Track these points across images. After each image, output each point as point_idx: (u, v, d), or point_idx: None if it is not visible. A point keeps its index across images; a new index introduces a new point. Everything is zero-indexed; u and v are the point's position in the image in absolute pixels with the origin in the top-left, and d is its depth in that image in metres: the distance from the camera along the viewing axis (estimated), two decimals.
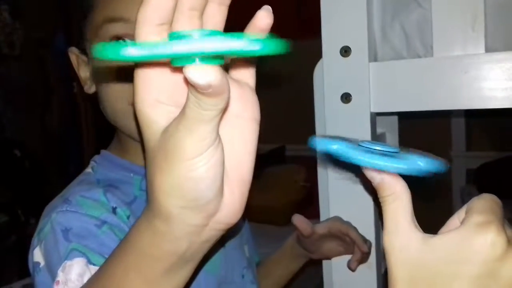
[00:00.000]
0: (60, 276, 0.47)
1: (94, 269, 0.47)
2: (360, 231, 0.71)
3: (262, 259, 0.86)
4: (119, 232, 0.53)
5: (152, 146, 0.31)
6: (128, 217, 0.57)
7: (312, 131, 0.84)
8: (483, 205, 0.34)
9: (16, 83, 2.31)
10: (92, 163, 0.64)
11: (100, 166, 0.64)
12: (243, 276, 0.67)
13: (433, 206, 2.46)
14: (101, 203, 0.56)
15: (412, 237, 0.34)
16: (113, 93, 0.57)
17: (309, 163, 0.87)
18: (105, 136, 0.72)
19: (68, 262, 0.48)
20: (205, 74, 0.26)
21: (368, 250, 0.70)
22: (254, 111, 0.34)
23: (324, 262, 0.83)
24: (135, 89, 0.31)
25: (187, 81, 0.27)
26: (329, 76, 0.70)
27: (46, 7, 2.39)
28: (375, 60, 0.70)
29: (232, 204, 0.33)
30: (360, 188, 0.71)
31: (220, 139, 0.31)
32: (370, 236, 0.72)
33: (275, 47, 0.26)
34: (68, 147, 2.59)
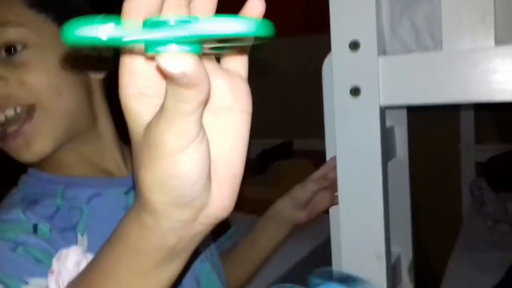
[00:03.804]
0: None
1: None
2: (369, 223, 0.72)
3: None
4: (36, 252, 0.52)
5: (136, 141, 0.31)
6: (50, 231, 0.56)
7: (320, 125, 0.84)
8: None
9: None
10: (19, 182, 0.65)
11: (25, 183, 0.64)
12: (200, 262, 0.66)
13: (443, 200, 2.46)
14: (20, 223, 0.55)
15: None
16: None
17: (317, 158, 0.87)
18: None
19: None
20: (178, 62, 0.25)
21: None
22: (245, 103, 0.33)
23: (334, 252, 0.83)
24: (119, 80, 0.30)
25: (162, 72, 0.26)
26: (338, 70, 0.70)
27: None
28: (384, 54, 0.70)
29: (221, 199, 0.32)
30: (368, 183, 0.71)
31: (204, 133, 0.30)
32: (379, 228, 0.72)
33: (257, 27, 0.24)
34: None
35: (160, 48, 0.25)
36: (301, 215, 0.81)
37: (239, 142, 0.32)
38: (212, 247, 0.76)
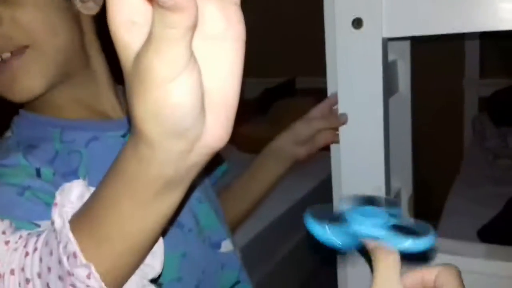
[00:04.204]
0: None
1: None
2: (369, 158, 0.72)
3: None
4: (43, 195, 0.52)
5: (127, 71, 0.30)
6: (53, 175, 0.56)
7: (323, 62, 0.82)
8: (458, 282, 0.38)
9: None
10: (11, 125, 0.63)
11: (19, 127, 0.63)
12: (189, 198, 0.66)
13: (445, 135, 2.47)
14: (22, 168, 0.55)
15: None
16: None
17: (320, 96, 0.86)
18: None
19: None
20: None
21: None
22: (238, 30, 0.31)
23: (334, 189, 0.85)
24: (108, 8, 0.29)
25: None
26: (339, 1, 0.68)
27: None
28: None
29: (216, 129, 0.32)
30: (369, 118, 0.71)
31: (195, 61, 0.29)
32: (379, 163, 0.73)
33: None
34: None
35: None
36: (301, 151, 0.81)
37: (233, 71, 0.31)
38: (208, 185, 0.76)
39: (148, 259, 0.42)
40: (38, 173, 0.55)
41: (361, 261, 0.76)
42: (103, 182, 0.37)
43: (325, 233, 0.37)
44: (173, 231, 0.62)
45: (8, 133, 0.63)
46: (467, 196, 1.65)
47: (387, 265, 0.38)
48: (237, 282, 0.72)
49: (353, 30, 0.67)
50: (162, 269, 0.60)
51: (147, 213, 0.36)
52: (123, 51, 0.30)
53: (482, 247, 0.97)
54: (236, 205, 0.82)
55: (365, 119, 0.72)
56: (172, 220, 0.39)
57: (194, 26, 0.27)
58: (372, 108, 0.70)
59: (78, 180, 0.42)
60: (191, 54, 0.28)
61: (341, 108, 0.74)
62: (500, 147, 1.98)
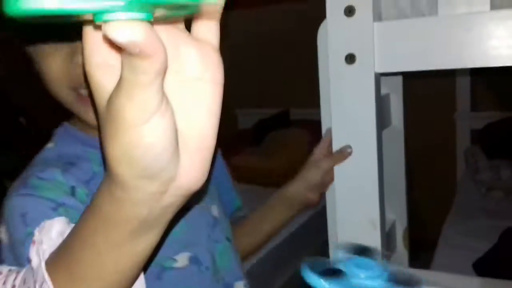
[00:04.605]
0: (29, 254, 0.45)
1: None
2: (363, 191, 0.72)
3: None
4: (76, 214, 0.51)
5: (101, 112, 0.30)
6: (87, 196, 0.56)
7: (317, 94, 0.84)
8: None
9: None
10: (52, 137, 0.63)
11: (61, 140, 0.62)
12: (209, 236, 0.67)
13: (437, 168, 2.48)
14: (59, 184, 0.55)
15: None
16: (49, 75, 0.54)
17: (314, 127, 0.87)
18: None
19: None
20: (126, 31, 0.24)
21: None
22: (216, 73, 0.32)
23: (329, 221, 0.85)
24: (83, 50, 0.29)
25: (112, 43, 0.25)
26: (333, 36, 0.69)
27: None
28: (380, 19, 0.69)
29: (191, 170, 0.32)
30: (363, 151, 0.72)
31: (168, 104, 0.29)
32: (373, 195, 0.73)
33: None
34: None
35: (107, 17, 0.24)
36: (315, 197, 0.81)
37: (210, 113, 0.32)
38: (228, 225, 0.76)
39: None
40: (73, 192, 0.55)
41: None
42: (81, 218, 0.37)
43: (323, 286, 0.37)
44: (189, 267, 0.62)
45: (50, 145, 0.62)
46: (461, 229, 1.64)
47: None
48: None
49: (346, 65, 0.69)
50: None
51: (122, 253, 0.35)
52: (98, 92, 0.30)
53: (477, 280, 0.97)
54: (246, 241, 0.82)
55: (359, 152, 0.73)
56: (151, 259, 0.39)
57: (163, 70, 0.27)
58: (366, 141, 0.71)
59: (60, 217, 0.42)
60: (163, 97, 0.29)
61: (335, 142, 0.74)
62: (493, 179, 1.99)
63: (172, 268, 0.60)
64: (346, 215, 0.76)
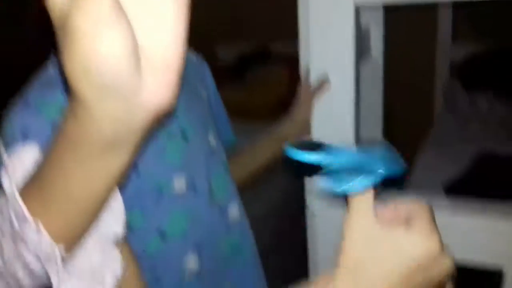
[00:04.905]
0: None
1: None
2: (340, 124, 0.74)
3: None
4: None
5: (57, 27, 0.29)
6: None
7: (297, 26, 0.82)
8: (428, 214, 0.40)
9: None
10: (53, 56, 0.61)
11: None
12: (206, 164, 0.69)
13: (416, 100, 2.51)
14: (61, 105, 0.54)
15: (370, 224, 0.39)
16: None
17: (293, 62, 0.87)
18: None
19: None
20: None
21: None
22: None
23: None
24: None
25: None
26: None
27: None
28: None
29: (156, 91, 0.31)
30: (341, 84, 0.72)
31: (124, 16, 0.28)
32: (349, 129, 0.74)
33: None
34: None
35: None
36: (305, 134, 0.84)
37: (175, 31, 0.30)
38: (222, 149, 0.78)
39: (109, 222, 0.42)
40: None
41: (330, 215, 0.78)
42: (52, 142, 0.37)
43: (304, 156, 0.39)
44: (186, 193, 0.64)
45: (50, 65, 0.60)
46: (436, 154, 1.69)
47: (361, 197, 0.40)
48: (239, 247, 0.74)
49: None
50: (169, 224, 0.62)
51: (92, 174, 0.35)
52: (51, 4, 0.29)
53: (448, 202, 1.01)
54: (236, 175, 0.84)
55: (336, 84, 0.73)
56: (124, 181, 0.39)
57: None
58: (344, 73, 0.71)
59: (33, 145, 0.42)
60: (118, 7, 0.28)
61: (313, 75, 0.74)
62: (471, 111, 2.02)
63: (169, 192, 0.62)
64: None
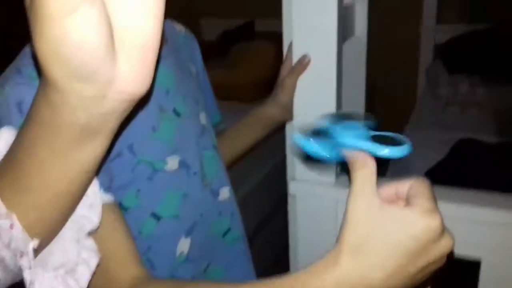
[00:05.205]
0: None
1: None
2: (322, 102, 0.73)
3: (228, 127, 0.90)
4: None
5: (27, 7, 0.28)
6: None
7: (281, 3, 0.80)
8: (429, 192, 0.39)
9: None
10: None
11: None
12: (197, 143, 0.68)
13: (399, 81, 2.51)
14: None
15: (373, 202, 0.38)
16: None
17: (279, 39, 0.85)
18: None
19: None
20: None
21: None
22: None
23: (287, 133, 0.86)
24: None
25: None
26: None
27: None
28: None
29: (132, 73, 0.30)
30: (323, 62, 0.71)
31: None
32: (331, 108, 0.73)
33: None
34: None
35: None
36: (288, 115, 0.83)
37: (151, 10, 0.29)
38: (213, 131, 0.77)
39: (85, 211, 0.41)
40: None
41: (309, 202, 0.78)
42: (22, 128, 0.35)
43: (311, 146, 0.39)
44: (179, 171, 0.63)
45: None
46: (416, 140, 1.70)
47: (364, 175, 0.39)
48: (229, 229, 0.74)
49: None
50: (162, 205, 0.61)
51: (66, 161, 0.34)
52: None
53: None
54: (224, 151, 0.84)
55: (319, 62, 0.72)
56: (100, 168, 0.38)
57: None
58: (326, 51, 0.70)
59: (6, 127, 0.40)
60: None
61: (296, 53, 0.73)
62: (451, 94, 2.03)
63: (162, 170, 0.61)
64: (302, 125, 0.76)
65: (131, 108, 0.33)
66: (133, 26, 0.29)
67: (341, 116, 0.42)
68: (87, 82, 0.29)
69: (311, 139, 0.39)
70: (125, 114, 0.33)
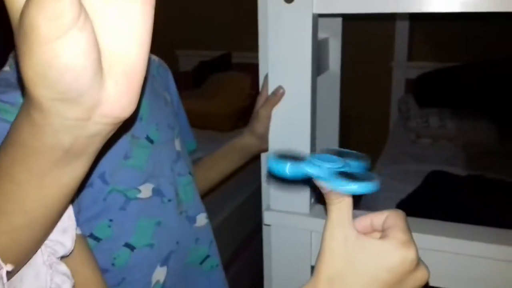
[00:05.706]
0: None
1: None
2: (296, 135, 0.73)
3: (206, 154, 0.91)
4: None
5: (15, 28, 0.27)
6: None
7: (257, 36, 0.82)
8: (404, 224, 0.40)
9: None
10: (9, 59, 0.58)
11: (17, 64, 0.58)
12: (172, 169, 0.68)
13: (372, 115, 2.57)
14: (20, 108, 0.51)
15: (350, 233, 0.39)
16: None
17: (255, 70, 0.86)
18: None
19: None
20: None
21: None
22: None
23: (263, 167, 0.86)
24: None
25: None
26: None
27: None
28: None
29: (118, 97, 0.29)
30: (297, 95, 0.72)
31: (87, 20, 0.27)
32: (305, 140, 0.74)
33: None
34: None
35: None
36: (264, 145, 0.84)
37: (139, 36, 0.29)
38: (189, 159, 0.77)
39: (58, 236, 0.40)
40: None
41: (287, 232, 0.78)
42: (1, 146, 0.34)
43: (283, 166, 0.39)
44: (152, 198, 0.62)
45: (6, 68, 0.57)
46: (389, 172, 1.73)
47: (341, 206, 0.39)
48: (207, 256, 0.73)
49: (284, 4, 0.67)
50: (136, 234, 0.60)
51: (46, 185, 0.33)
52: (9, 6, 0.27)
53: None
54: (200, 180, 0.83)
55: (293, 95, 0.72)
56: (78, 193, 0.37)
57: None
58: (301, 85, 0.71)
59: None
60: (80, 10, 0.26)
61: (271, 85, 0.74)
62: (422, 127, 2.08)
63: (136, 199, 0.60)
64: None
65: (114, 131, 0.32)
66: (121, 51, 0.29)
67: (336, 152, 0.43)
68: (73, 104, 0.28)
69: (285, 161, 0.40)
70: (107, 137, 0.33)
